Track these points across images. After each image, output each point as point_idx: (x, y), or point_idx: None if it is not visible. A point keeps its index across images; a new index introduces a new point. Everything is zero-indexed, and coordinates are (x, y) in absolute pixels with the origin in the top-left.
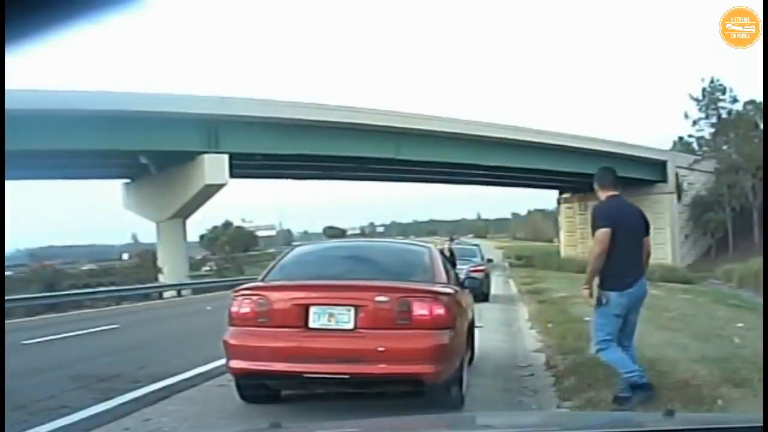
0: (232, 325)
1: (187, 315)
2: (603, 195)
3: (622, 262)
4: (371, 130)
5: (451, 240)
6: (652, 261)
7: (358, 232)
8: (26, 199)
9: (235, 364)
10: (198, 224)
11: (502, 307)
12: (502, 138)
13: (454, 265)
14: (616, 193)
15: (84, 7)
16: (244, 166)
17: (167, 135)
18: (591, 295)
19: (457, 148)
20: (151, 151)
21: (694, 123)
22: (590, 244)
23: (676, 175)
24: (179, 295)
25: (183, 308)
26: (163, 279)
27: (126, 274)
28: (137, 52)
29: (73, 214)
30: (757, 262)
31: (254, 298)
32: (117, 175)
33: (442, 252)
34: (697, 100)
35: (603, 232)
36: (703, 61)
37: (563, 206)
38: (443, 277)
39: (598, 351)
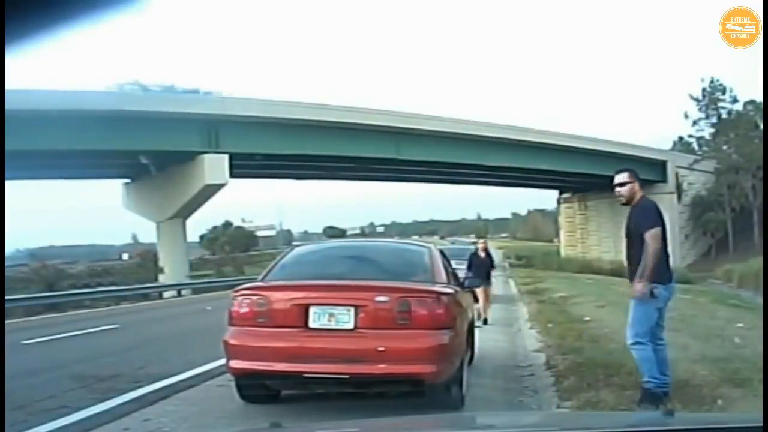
0: (232, 325)
1: (187, 315)
2: (637, 194)
3: (665, 257)
4: (372, 130)
5: (442, 238)
6: None
7: (358, 232)
8: (26, 199)
9: (235, 364)
10: (198, 224)
11: (502, 307)
12: (502, 138)
13: (492, 267)
14: (643, 192)
15: (84, 7)
16: (244, 166)
17: (167, 135)
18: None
19: (457, 148)
20: (151, 151)
21: (694, 123)
22: (589, 244)
23: (676, 175)
24: (179, 295)
25: (183, 308)
26: (163, 279)
27: (126, 274)
28: (137, 52)
29: (73, 214)
30: (757, 262)
31: (254, 298)
32: (117, 175)
33: (476, 252)
34: (697, 100)
35: (659, 230)
36: (703, 61)
37: (563, 206)
38: (443, 277)
39: (634, 344)
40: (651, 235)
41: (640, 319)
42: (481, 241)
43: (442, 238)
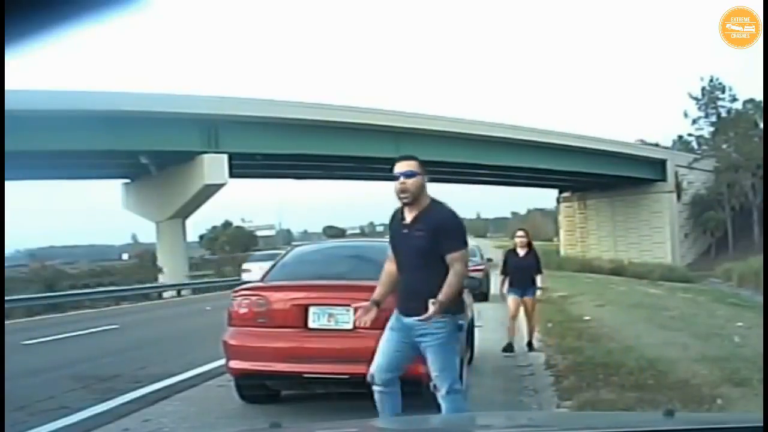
0: (232, 325)
1: (187, 315)
2: (425, 193)
3: None
4: (371, 130)
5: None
6: (652, 260)
7: (357, 231)
8: (26, 199)
9: (235, 364)
10: (198, 224)
11: (501, 306)
12: (501, 137)
13: (539, 270)
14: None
15: (84, 7)
16: (243, 166)
17: (167, 135)
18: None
19: (457, 148)
20: (151, 151)
21: (694, 122)
22: (589, 243)
23: (676, 173)
24: (179, 295)
25: (182, 308)
26: (162, 279)
27: (126, 274)
28: (137, 52)
29: (73, 214)
30: (757, 260)
31: (253, 298)
32: (117, 175)
33: (514, 250)
34: (696, 99)
35: (467, 250)
36: (703, 61)
37: (563, 205)
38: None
39: (455, 393)
40: (462, 257)
41: (452, 359)
42: (520, 233)
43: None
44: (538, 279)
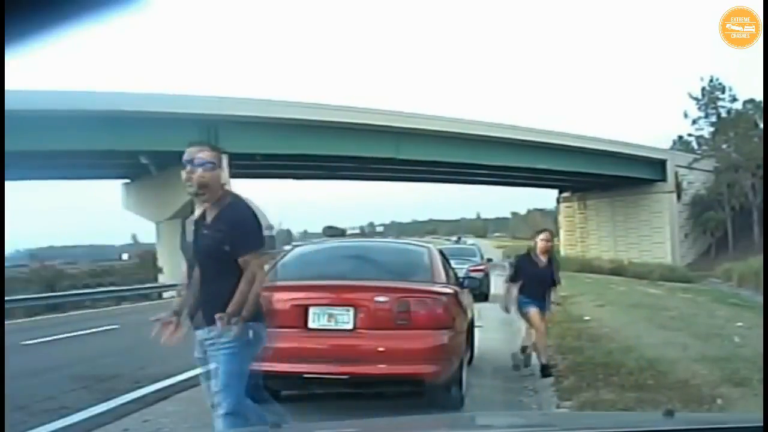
0: None
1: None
2: (224, 187)
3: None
4: (371, 130)
5: (459, 239)
6: (652, 260)
7: (357, 231)
8: (26, 199)
9: None
10: None
11: (501, 306)
12: (501, 137)
13: (554, 281)
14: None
15: (84, 7)
16: (244, 166)
17: (167, 135)
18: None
19: (457, 148)
20: (151, 151)
21: (694, 122)
22: (589, 243)
23: (676, 174)
24: (179, 295)
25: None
26: (162, 279)
27: (126, 275)
28: (137, 52)
29: (73, 214)
30: (757, 261)
31: None
32: (117, 175)
33: (528, 254)
34: (696, 99)
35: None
36: (703, 61)
37: (563, 205)
38: (443, 277)
39: (229, 414)
40: (255, 260)
41: (238, 379)
42: (544, 235)
43: (459, 239)
44: (554, 292)
